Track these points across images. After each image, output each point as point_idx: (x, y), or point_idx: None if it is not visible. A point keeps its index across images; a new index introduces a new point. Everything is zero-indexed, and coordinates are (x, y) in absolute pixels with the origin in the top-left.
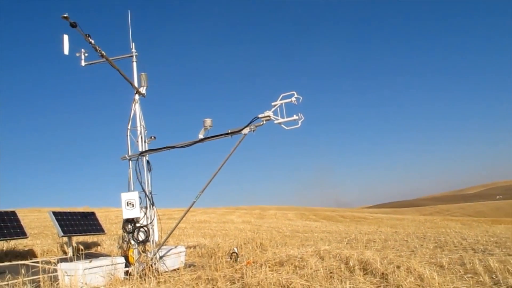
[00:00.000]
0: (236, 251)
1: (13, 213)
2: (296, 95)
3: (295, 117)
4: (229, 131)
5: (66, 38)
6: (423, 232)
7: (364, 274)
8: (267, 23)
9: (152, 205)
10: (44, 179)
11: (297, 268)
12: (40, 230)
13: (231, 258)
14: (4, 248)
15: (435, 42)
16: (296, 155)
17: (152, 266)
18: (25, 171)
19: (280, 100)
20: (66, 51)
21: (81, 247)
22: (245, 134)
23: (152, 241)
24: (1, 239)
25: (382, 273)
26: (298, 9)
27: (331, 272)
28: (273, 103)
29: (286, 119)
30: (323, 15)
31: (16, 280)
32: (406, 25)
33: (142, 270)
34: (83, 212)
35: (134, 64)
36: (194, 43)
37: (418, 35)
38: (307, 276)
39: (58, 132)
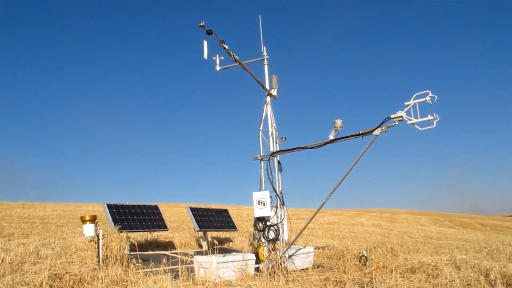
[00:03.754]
0: (366, 254)
1: (156, 207)
2: (430, 94)
3: (429, 117)
4: (360, 132)
5: (205, 43)
6: None
7: None
8: (398, 24)
9: (283, 205)
10: (182, 177)
11: (430, 277)
12: (178, 224)
13: (360, 261)
14: (148, 239)
15: None
16: (430, 156)
17: (281, 265)
18: (167, 170)
19: (414, 99)
20: (205, 55)
21: (215, 242)
22: (376, 135)
23: (282, 240)
24: (146, 230)
25: None
26: (432, 7)
27: (468, 284)
28: (406, 103)
29: (420, 120)
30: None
31: (158, 268)
32: None
33: (272, 267)
34: (217, 209)
35: (266, 67)
36: (324, 44)
37: None
38: (441, 286)
39: (197, 134)
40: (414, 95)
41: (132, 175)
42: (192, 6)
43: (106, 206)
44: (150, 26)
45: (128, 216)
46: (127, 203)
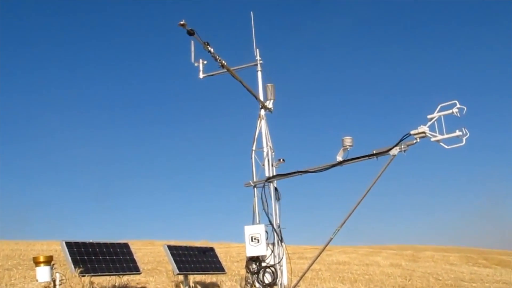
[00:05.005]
0: None
1: (126, 246)
2: (458, 105)
3: (457, 133)
4: (374, 152)
5: (193, 44)
6: None
7: None
8: (416, 20)
9: (281, 241)
10: (158, 208)
11: None
12: (154, 266)
13: None
14: (116, 284)
15: None
16: (460, 180)
17: None
18: (139, 200)
19: (438, 111)
20: (193, 58)
21: (199, 287)
22: (394, 155)
23: (281, 284)
24: (114, 273)
25: None
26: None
27: None
28: (429, 116)
29: (446, 136)
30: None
31: None
32: None
33: None
34: (201, 247)
35: (259, 73)
36: (328, 46)
37: None
38: None
39: (176, 157)
40: (439, 107)
41: (97, 206)
42: (170, 3)
43: (64, 244)
44: (124, 26)
45: (91, 257)
46: (91, 241)
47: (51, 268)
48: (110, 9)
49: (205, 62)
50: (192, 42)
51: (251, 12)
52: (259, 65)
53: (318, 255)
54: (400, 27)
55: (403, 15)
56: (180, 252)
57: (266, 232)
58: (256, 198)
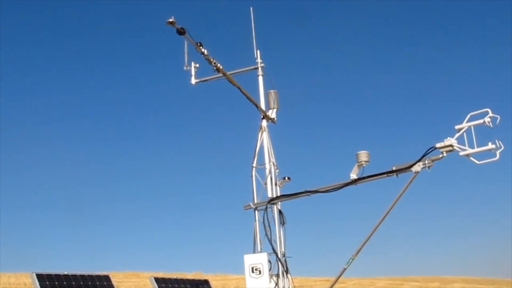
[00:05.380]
0: None
1: (107, 278)
2: (491, 114)
3: (490, 145)
4: (394, 168)
5: (186, 45)
6: None
7: None
8: (443, 18)
9: (286, 272)
10: (143, 235)
11: None
12: None
13: None
14: None
15: None
16: (493, 200)
17: None
18: (122, 227)
19: (468, 122)
20: (186, 63)
21: None
22: (416, 172)
23: None
24: None
25: None
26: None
27: None
28: (457, 127)
29: (477, 149)
30: None
31: None
32: None
33: None
34: (194, 280)
35: (260, 78)
36: (340, 47)
37: None
38: None
39: (159, 175)
40: (469, 116)
41: (73, 233)
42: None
43: (35, 276)
44: (105, 24)
45: None
46: (66, 273)
47: None
48: (86, 5)
49: (198, 65)
50: (185, 43)
51: (251, 8)
52: (260, 68)
53: None
54: (423, 26)
55: (426, 13)
56: (170, 285)
57: (269, 261)
58: (257, 222)
